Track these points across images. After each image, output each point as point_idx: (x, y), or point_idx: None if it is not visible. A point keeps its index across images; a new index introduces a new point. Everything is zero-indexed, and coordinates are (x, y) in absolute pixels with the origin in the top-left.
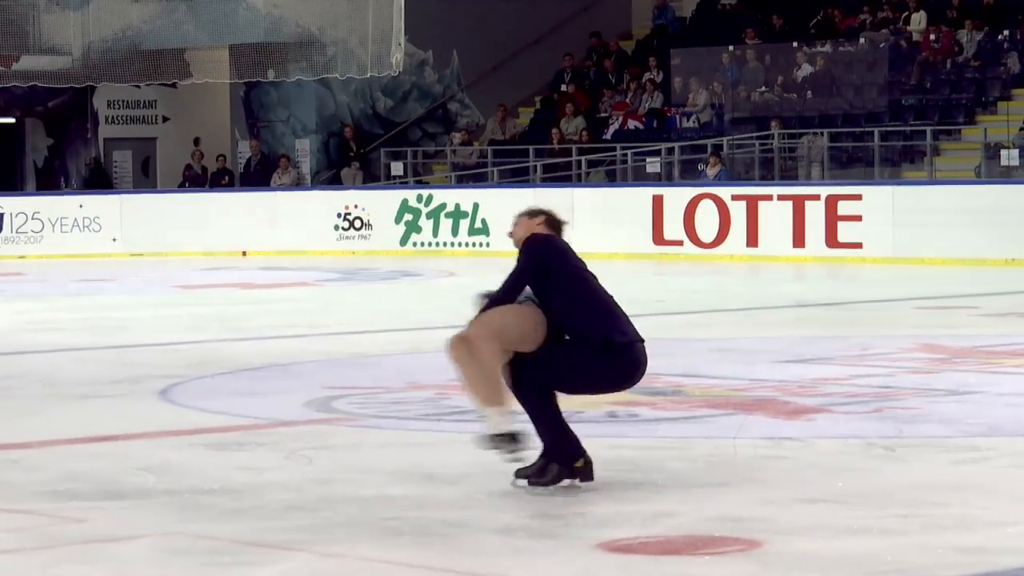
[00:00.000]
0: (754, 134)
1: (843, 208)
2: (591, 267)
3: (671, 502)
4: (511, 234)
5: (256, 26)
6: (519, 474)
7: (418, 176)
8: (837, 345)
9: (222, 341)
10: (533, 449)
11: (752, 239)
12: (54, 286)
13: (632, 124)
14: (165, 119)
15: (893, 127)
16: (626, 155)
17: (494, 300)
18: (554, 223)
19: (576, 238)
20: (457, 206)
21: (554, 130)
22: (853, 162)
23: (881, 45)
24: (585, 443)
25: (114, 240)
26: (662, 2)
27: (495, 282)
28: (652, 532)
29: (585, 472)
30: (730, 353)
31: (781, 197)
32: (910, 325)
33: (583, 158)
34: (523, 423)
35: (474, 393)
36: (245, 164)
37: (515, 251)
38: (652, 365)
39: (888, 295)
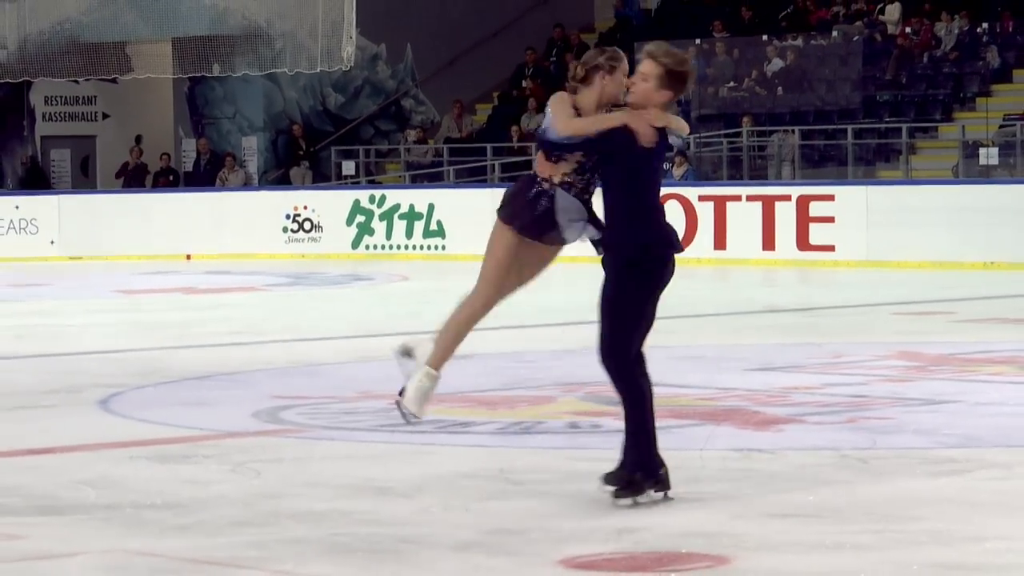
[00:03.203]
0: (722, 132)
1: (815, 209)
2: (553, 272)
3: (636, 517)
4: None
5: (200, 18)
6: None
7: (370, 176)
8: (809, 352)
9: (165, 349)
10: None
11: (720, 241)
12: None
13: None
14: (105, 116)
15: (867, 124)
16: None
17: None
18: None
19: None
20: (411, 207)
21: (514, 127)
22: (825, 161)
23: (855, 38)
24: (545, 455)
25: (52, 243)
26: None
27: (450, 288)
28: (616, 548)
29: (666, 481)
30: (697, 361)
31: (750, 198)
32: (885, 331)
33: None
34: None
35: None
36: (194, 163)
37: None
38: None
39: (862, 300)
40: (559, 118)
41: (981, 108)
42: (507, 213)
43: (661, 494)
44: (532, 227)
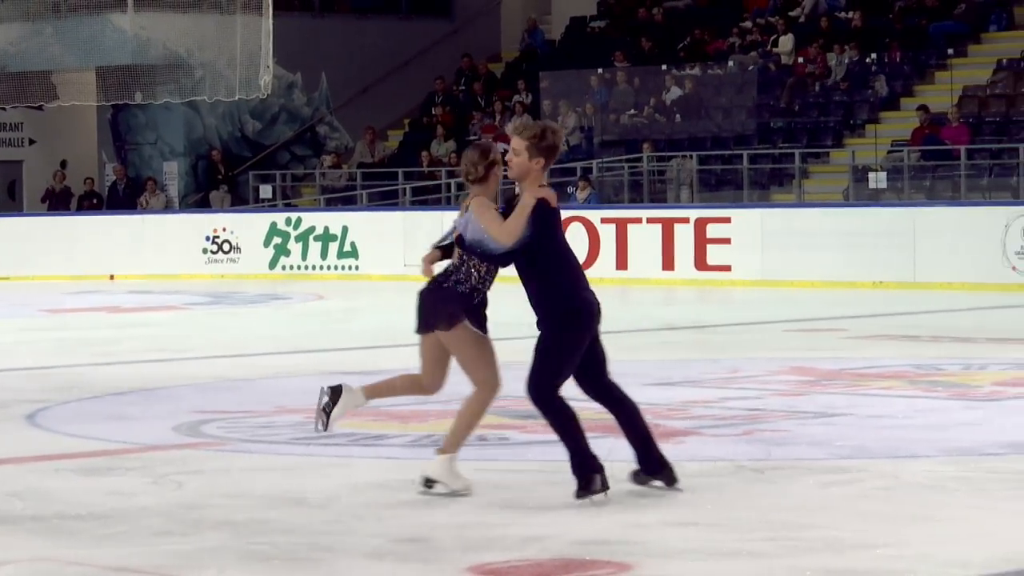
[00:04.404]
0: (623, 157)
1: (712, 231)
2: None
3: (541, 525)
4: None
5: (123, 48)
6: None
7: (287, 199)
8: (706, 368)
9: (89, 365)
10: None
11: (622, 262)
12: None
13: (501, 146)
14: (32, 142)
15: (762, 150)
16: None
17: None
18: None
19: (446, 261)
20: (326, 229)
21: (424, 152)
22: (722, 185)
23: (750, 68)
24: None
25: None
26: (531, 24)
27: (364, 306)
28: (522, 555)
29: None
30: None
31: (650, 220)
32: (779, 348)
33: (452, 181)
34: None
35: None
36: (111, 188)
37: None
38: (523, 388)
39: (757, 318)
40: (499, 230)
41: (870, 135)
42: (451, 320)
43: (602, 494)
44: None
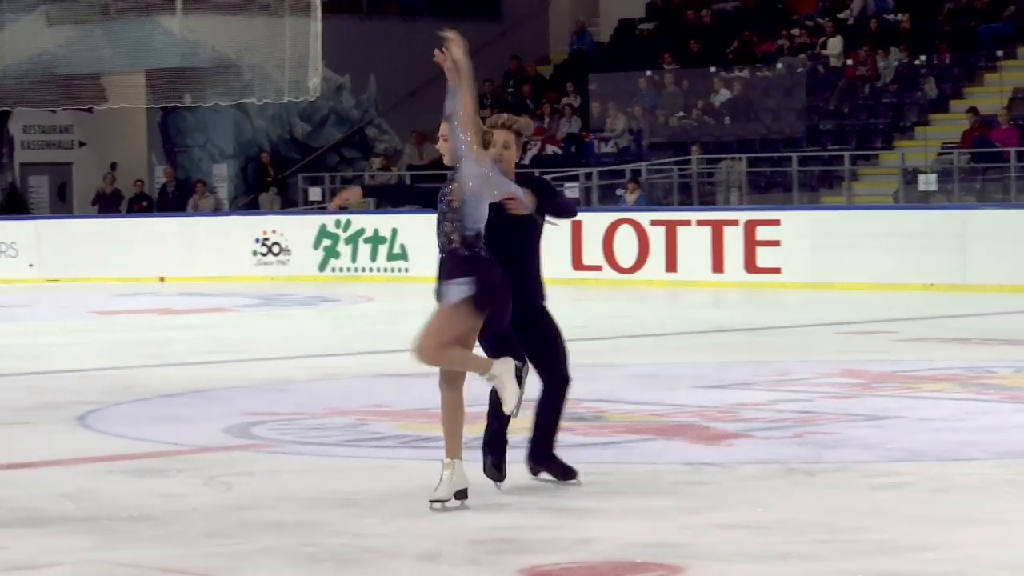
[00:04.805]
0: (672, 159)
1: (762, 233)
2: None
3: (593, 528)
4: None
5: (172, 51)
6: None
7: None
8: (757, 370)
9: (140, 367)
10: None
11: (671, 264)
12: None
13: (550, 149)
14: (82, 144)
15: (811, 152)
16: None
17: None
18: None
19: None
20: (376, 231)
21: None
22: (771, 187)
23: (799, 70)
24: (507, 469)
25: (31, 266)
26: (580, 27)
27: (414, 309)
28: (574, 558)
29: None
30: (650, 379)
31: (700, 222)
32: (829, 350)
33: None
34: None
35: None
36: (160, 190)
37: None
38: (573, 390)
39: (807, 320)
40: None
41: (920, 137)
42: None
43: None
44: None
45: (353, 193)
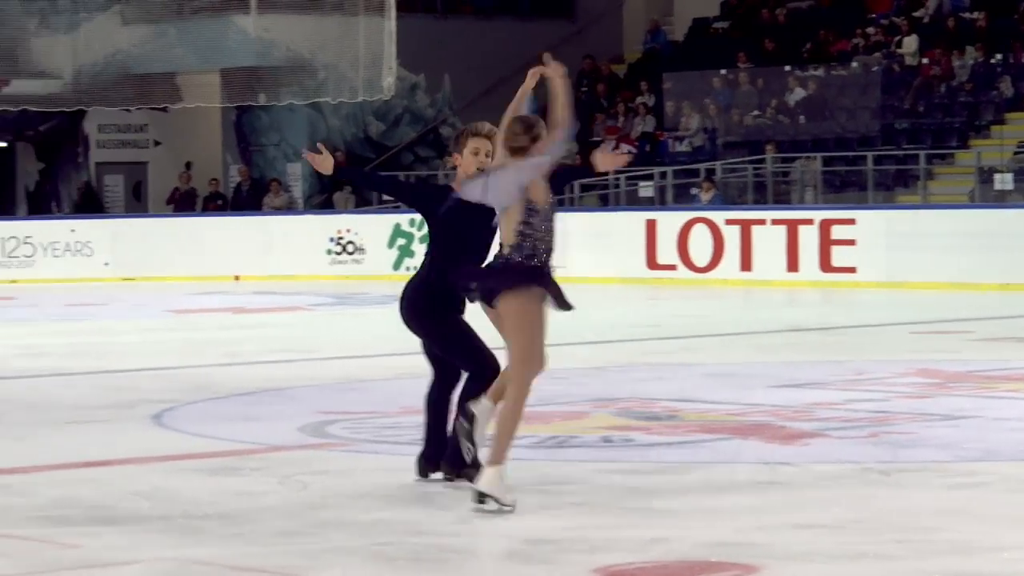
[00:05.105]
0: (747, 158)
1: (837, 232)
2: (583, 293)
3: (666, 527)
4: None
5: (247, 50)
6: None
7: None
8: (832, 370)
9: (215, 366)
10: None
11: (746, 263)
12: (45, 311)
13: (625, 148)
14: (156, 143)
15: (886, 151)
16: (619, 179)
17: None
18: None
19: (569, 263)
20: None
21: None
22: (847, 186)
23: (874, 69)
24: (579, 468)
25: (106, 264)
26: (654, 26)
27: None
28: (647, 557)
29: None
30: (725, 378)
31: (775, 221)
32: (905, 350)
33: (576, 182)
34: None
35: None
36: (235, 189)
37: None
38: (647, 389)
39: (882, 320)
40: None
41: (996, 135)
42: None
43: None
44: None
45: (324, 163)
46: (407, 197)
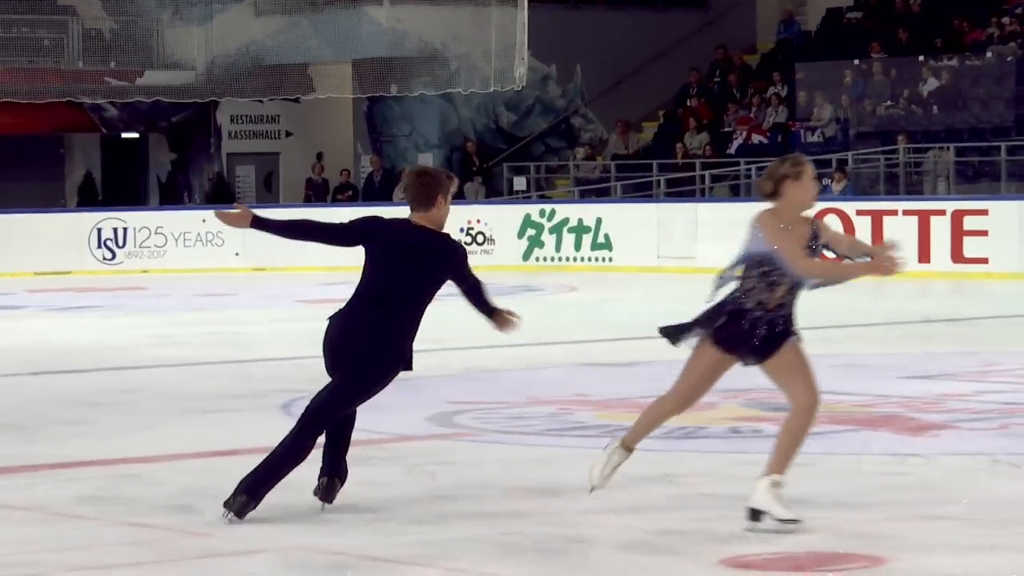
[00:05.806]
0: (879, 149)
1: (969, 223)
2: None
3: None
4: None
5: (379, 41)
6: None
7: (541, 191)
8: (962, 361)
9: None
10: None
11: None
12: (176, 301)
13: (756, 138)
14: (288, 134)
15: (1020, 141)
16: (750, 170)
17: None
18: None
19: (700, 253)
20: (580, 221)
21: (678, 144)
22: (980, 177)
23: (1008, 59)
24: (708, 459)
25: (237, 255)
26: (787, 16)
27: (617, 298)
28: (776, 549)
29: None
30: (855, 369)
31: (907, 212)
32: None
33: (707, 172)
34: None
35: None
36: (366, 179)
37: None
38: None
39: (1015, 311)
40: (799, 262)
41: None
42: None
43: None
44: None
45: (239, 219)
46: (338, 238)
